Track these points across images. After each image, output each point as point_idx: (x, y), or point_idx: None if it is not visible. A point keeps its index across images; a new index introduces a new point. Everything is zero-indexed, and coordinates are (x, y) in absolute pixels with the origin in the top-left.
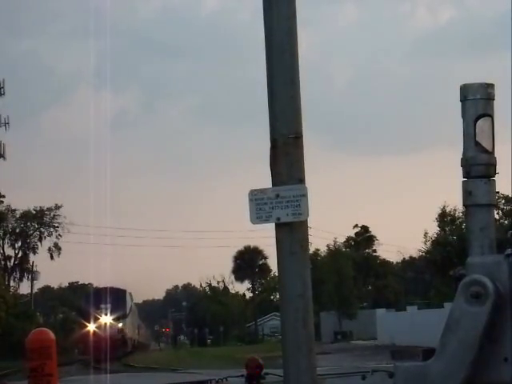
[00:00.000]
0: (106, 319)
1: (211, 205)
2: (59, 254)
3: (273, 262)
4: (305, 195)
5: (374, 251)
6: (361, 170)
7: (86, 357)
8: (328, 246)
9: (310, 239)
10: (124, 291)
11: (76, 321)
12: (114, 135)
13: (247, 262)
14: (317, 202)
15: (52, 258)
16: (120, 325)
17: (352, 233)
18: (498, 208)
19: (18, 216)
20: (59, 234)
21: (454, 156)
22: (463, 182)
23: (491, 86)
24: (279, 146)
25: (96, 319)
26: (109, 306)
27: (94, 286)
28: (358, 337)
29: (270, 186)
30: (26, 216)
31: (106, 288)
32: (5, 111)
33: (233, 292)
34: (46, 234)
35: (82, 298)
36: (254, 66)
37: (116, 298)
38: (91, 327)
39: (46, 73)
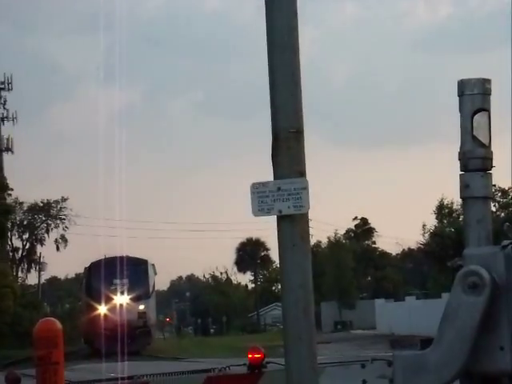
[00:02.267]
0: (123, 299)
1: (214, 197)
2: (66, 245)
3: (274, 254)
4: (305, 188)
5: (374, 243)
6: (360, 163)
7: (95, 348)
8: (328, 237)
9: (311, 231)
10: (145, 262)
11: (80, 304)
12: (118, 129)
13: (249, 253)
14: (317, 195)
15: (58, 249)
16: (141, 307)
17: (352, 225)
18: (495, 200)
19: (25, 208)
20: (66, 226)
21: (451, 150)
22: (460, 175)
23: (488, 81)
24: (281, 140)
25: (108, 299)
26: (126, 281)
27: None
28: (357, 326)
29: (272, 179)
30: (34, 208)
31: (121, 257)
32: (13, 106)
33: (235, 283)
34: (52, 226)
35: (88, 270)
36: (256, 62)
37: (135, 270)
38: (101, 310)
39: (52, 69)
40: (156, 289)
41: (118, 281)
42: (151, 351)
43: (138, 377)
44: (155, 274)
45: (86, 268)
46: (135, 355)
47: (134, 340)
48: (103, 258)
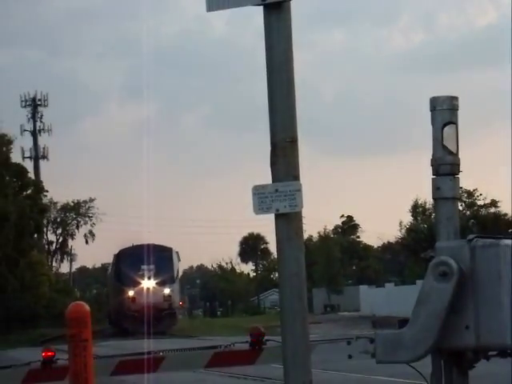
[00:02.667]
0: (149, 283)
1: (221, 198)
2: (93, 239)
3: (273, 247)
4: (299, 190)
5: (358, 237)
6: (347, 168)
7: (124, 328)
8: (319, 232)
9: (304, 227)
10: (170, 249)
11: (108, 289)
12: (138, 139)
13: (251, 246)
14: (310, 195)
15: (87, 242)
16: (167, 291)
17: (339, 222)
18: (461, 201)
19: (58, 208)
20: (93, 223)
21: (424, 157)
22: (432, 179)
23: (455, 98)
24: (278, 148)
25: (136, 283)
26: (152, 267)
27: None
28: (344, 309)
29: (271, 182)
30: (66, 208)
31: (148, 245)
32: (48, 120)
33: (239, 271)
34: (82, 222)
35: (117, 257)
36: (257, 81)
37: (161, 257)
38: (130, 293)
39: (82, 87)
40: None
41: (145, 266)
42: (169, 330)
43: (155, 352)
44: (179, 260)
45: (115, 255)
46: (161, 334)
47: (160, 321)
48: (131, 245)
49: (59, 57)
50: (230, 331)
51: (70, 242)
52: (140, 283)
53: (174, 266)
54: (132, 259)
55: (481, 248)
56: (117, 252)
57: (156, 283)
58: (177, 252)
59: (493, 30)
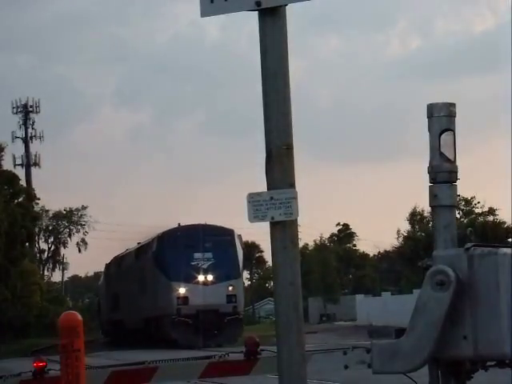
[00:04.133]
0: (207, 278)
1: (215, 205)
2: (86, 247)
3: (267, 255)
4: (295, 198)
5: (354, 246)
6: (343, 176)
7: (170, 338)
8: (315, 241)
9: (300, 235)
10: (231, 232)
11: (143, 280)
12: (131, 146)
13: (246, 254)
14: (305, 203)
15: (80, 251)
16: (230, 288)
17: (335, 230)
18: (459, 209)
19: (50, 215)
20: (86, 231)
21: (422, 164)
22: (430, 186)
23: (453, 105)
24: (273, 155)
25: (188, 278)
26: (210, 255)
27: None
28: (340, 318)
29: (266, 189)
30: (58, 215)
31: (202, 226)
32: (40, 126)
33: None
34: (74, 230)
35: (159, 241)
36: (251, 87)
37: (220, 242)
38: (180, 291)
39: (74, 94)
40: None
41: (199, 255)
42: (234, 342)
43: (149, 362)
44: (242, 247)
45: (155, 238)
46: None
47: (221, 330)
48: (178, 226)
49: (51, 63)
50: None
51: (62, 251)
52: (194, 277)
53: (238, 254)
54: (182, 244)
55: (479, 257)
56: (159, 234)
57: (215, 278)
58: (239, 235)
59: (490, 36)
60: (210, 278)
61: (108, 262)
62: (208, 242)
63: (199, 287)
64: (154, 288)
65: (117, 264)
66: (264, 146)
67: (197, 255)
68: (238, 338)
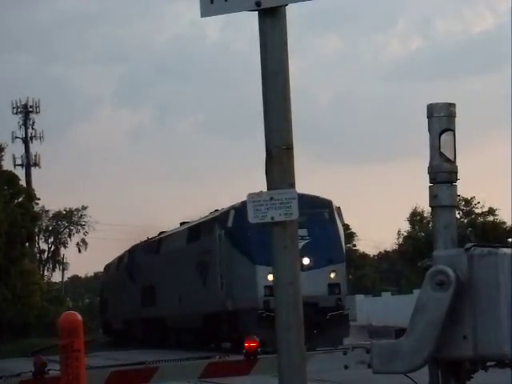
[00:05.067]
0: (303, 261)
1: (215, 205)
2: (86, 248)
3: None
4: (295, 198)
5: (354, 246)
6: (343, 176)
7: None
8: None
9: None
10: (330, 203)
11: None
12: (131, 146)
13: None
14: None
15: (80, 251)
16: (332, 275)
17: None
18: (459, 209)
19: (50, 216)
20: (86, 231)
21: (422, 164)
22: (430, 186)
23: (453, 105)
24: (273, 156)
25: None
26: (305, 232)
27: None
28: None
29: (266, 190)
30: (58, 216)
31: None
32: (40, 126)
33: None
34: (74, 231)
35: (236, 214)
36: (251, 88)
37: (316, 216)
38: (267, 278)
39: (74, 94)
40: None
41: None
42: (338, 343)
43: (149, 362)
44: (342, 224)
45: (228, 211)
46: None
47: (322, 330)
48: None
49: (51, 63)
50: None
51: (62, 251)
52: None
53: (339, 233)
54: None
55: (478, 257)
56: (235, 205)
57: (313, 261)
58: (338, 208)
59: (490, 36)
60: (305, 261)
61: (128, 250)
62: (301, 215)
63: None
64: (228, 274)
65: (148, 250)
66: (264, 146)
67: None
68: (343, 339)
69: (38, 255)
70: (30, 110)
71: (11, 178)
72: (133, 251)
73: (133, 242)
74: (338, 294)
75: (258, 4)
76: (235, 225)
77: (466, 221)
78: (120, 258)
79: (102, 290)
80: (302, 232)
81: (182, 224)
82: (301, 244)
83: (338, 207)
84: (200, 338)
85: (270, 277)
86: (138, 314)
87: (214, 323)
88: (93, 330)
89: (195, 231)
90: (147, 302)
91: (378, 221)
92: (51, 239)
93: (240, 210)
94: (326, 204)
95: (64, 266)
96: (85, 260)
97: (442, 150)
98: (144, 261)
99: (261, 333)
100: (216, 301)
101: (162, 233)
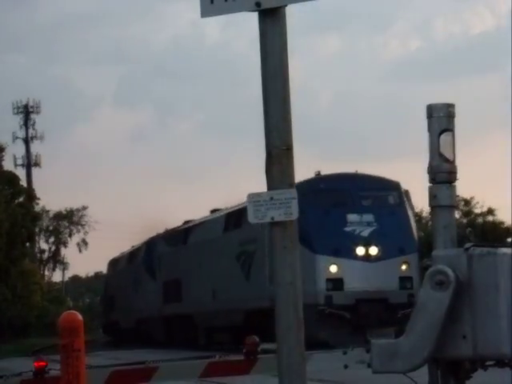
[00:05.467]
0: (371, 251)
1: (215, 205)
2: (86, 247)
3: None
4: (294, 198)
5: None
6: None
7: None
8: None
9: None
10: (397, 185)
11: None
12: (131, 146)
13: None
14: None
15: (80, 251)
16: (404, 267)
17: None
18: (458, 209)
19: (51, 216)
20: (86, 231)
21: (421, 164)
22: (429, 186)
23: (452, 105)
24: (273, 156)
25: (341, 250)
26: (371, 218)
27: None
28: None
29: (266, 190)
30: (58, 216)
31: (355, 176)
32: (41, 127)
33: None
34: (74, 231)
35: (305, 194)
36: (251, 87)
37: (385, 200)
38: (329, 270)
39: (75, 94)
40: None
41: (355, 217)
42: None
43: (149, 362)
44: (412, 209)
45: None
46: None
47: (396, 329)
48: (318, 174)
49: (51, 63)
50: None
51: (63, 251)
52: (351, 250)
53: (410, 219)
54: (329, 201)
55: (478, 257)
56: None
57: (382, 251)
58: (407, 191)
59: (490, 36)
60: (373, 251)
61: (145, 242)
62: (366, 198)
63: (358, 264)
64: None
65: (171, 242)
66: (264, 146)
67: (352, 217)
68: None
69: (38, 255)
70: (31, 110)
71: (12, 178)
72: (151, 243)
73: (133, 240)
74: (411, 288)
75: (258, 4)
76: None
77: (465, 221)
78: (132, 252)
79: (107, 287)
80: (368, 217)
81: (213, 212)
82: (367, 231)
83: (407, 190)
84: (238, 337)
85: (333, 268)
86: (159, 311)
87: (257, 321)
88: (93, 330)
89: (235, 218)
90: (171, 298)
91: None
92: (52, 239)
93: (304, 186)
94: (393, 186)
95: (64, 266)
96: (85, 260)
97: (441, 151)
98: (167, 253)
99: (322, 332)
100: (262, 296)
101: (187, 222)
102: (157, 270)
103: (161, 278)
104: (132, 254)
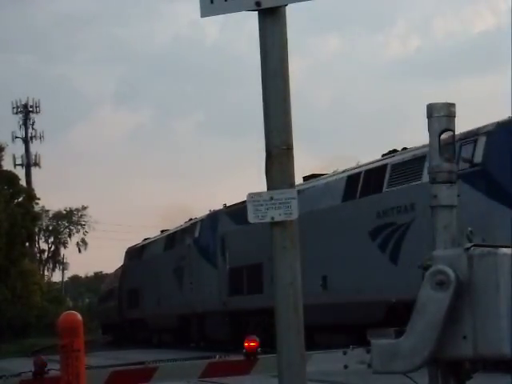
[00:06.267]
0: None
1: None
2: (86, 247)
3: None
4: (294, 198)
5: None
6: None
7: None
8: None
9: None
10: None
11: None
12: (131, 146)
13: None
14: None
15: (80, 251)
16: None
17: None
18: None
19: (50, 216)
20: (86, 231)
21: None
22: (429, 186)
23: (453, 105)
24: (273, 156)
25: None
26: None
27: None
28: None
29: (266, 190)
30: (58, 216)
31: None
32: (40, 126)
33: None
34: (74, 231)
35: (487, 143)
36: (251, 88)
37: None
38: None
39: (74, 94)
40: None
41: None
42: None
43: (149, 362)
44: None
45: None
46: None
47: None
48: None
49: (51, 63)
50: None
51: (62, 251)
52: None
53: None
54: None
55: (478, 257)
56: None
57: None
58: None
59: (490, 36)
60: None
61: (201, 220)
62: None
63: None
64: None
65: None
66: (264, 146)
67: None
68: None
69: (38, 255)
70: (30, 109)
71: (11, 177)
72: (209, 221)
73: (133, 240)
74: None
75: (257, 4)
76: (486, 156)
77: None
78: (171, 236)
79: (124, 280)
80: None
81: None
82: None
83: None
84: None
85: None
86: (221, 306)
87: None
88: (93, 330)
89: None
90: (239, 290)
91: None
92: (51, 239)
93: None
94: None
95: (64, 266)
96: (85, 260)
97: (441, 150)
98: (235, 233)
99: None
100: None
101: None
102: (219, 256)
103: (225, 266)
104: (171, 238)
